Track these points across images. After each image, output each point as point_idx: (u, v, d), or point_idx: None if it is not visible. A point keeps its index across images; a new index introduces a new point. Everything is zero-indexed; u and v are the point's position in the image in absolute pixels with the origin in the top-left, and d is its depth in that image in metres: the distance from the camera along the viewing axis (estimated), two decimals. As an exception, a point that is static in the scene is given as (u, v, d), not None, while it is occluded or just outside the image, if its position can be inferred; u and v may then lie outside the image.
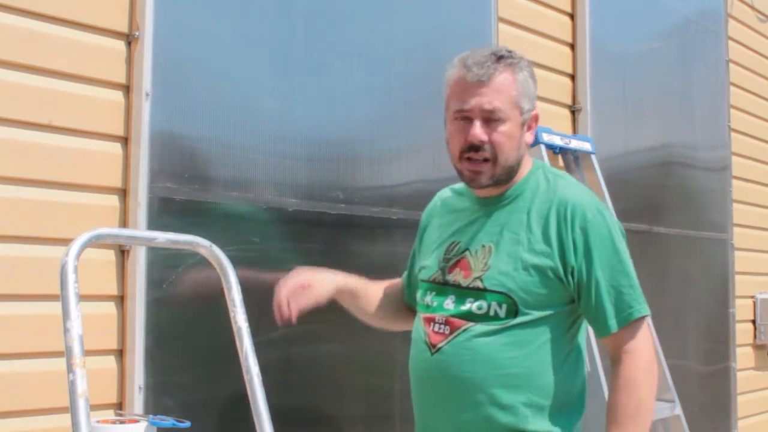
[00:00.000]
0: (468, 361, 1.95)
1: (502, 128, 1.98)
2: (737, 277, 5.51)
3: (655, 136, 4.89)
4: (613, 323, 1.96)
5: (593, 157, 4.14)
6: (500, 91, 1.98)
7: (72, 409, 1.68)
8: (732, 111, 5.61)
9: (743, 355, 5.62)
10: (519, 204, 2.03)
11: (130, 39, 2.60)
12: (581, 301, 1.98)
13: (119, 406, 2.51)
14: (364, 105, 3.26)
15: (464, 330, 1.97)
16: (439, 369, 1.98)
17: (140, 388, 2.50)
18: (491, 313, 1.96)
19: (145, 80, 2.57)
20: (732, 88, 5.64)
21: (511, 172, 2.03)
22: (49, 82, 2.45)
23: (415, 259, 2.27)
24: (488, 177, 2.01)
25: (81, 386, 1.67)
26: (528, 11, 4.12)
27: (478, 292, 1.98)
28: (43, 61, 2.43)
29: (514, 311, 1.95)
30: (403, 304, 2.35)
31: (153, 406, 2.52)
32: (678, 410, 4.04)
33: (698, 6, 5.42)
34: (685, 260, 5.04)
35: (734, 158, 5.61)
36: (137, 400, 2.49)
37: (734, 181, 5.57)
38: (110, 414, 2.47)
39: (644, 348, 1.97)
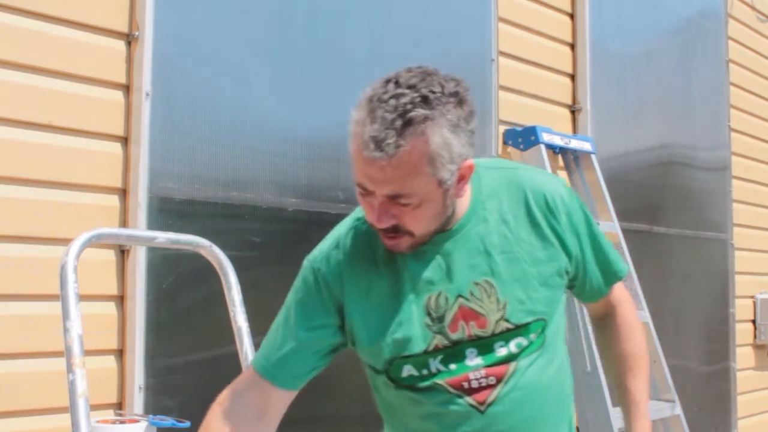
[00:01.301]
0: (521, 404, 1.67)
1: (414, 210, 1.55)
2: (737, 277, 5.51)
3: (655, 136, 4.89)
4: (605, 287, 1.85)
5: (593, 157, 4.14)
6: (407, 174, 1.50)
7: (72, 409, 1.68)
8: (732, 111, 5.61)
9: (743, 355, 5.62)
10: (487, 219, 1.67)
11: (130, 39, 2.60)
12: (576, 279, 1.79)
13: (119, 406, 2.51)
14: (364, 105, 3.26)
15: (513, 372, 1.67)
16: (494, 425, 1.65)
17: (140, 388, 2.50)
18: (527, 343, 1.68)
19: (145, 80, 2.57)
20: (732, 88, 5.64)
21: (446, 222, 1.64)
22: (49, 82, 2.45)
23: (332, 342, 1.72)
24: (409, 245, 1.62)
25: (81, 386, 1.68)
26: (528, 11, 4.12)
27: (509, 333, 1.66)
28: (43, 61, 2.43)
29: (542, 329, 1.70)
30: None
31: (153, 406, 2.52)
32: (678, 410, 4.04)
33: (698, 6, 5.42)
34: (685, 260, 5.04)
35: (734, 158, 5.61)
36: (137, 400, 2.49)
37: (734, 181, 5.57)
38: (110, 414, 2.47)
39: (629, 298, 1.95)
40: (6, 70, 2.37)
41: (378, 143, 1.50)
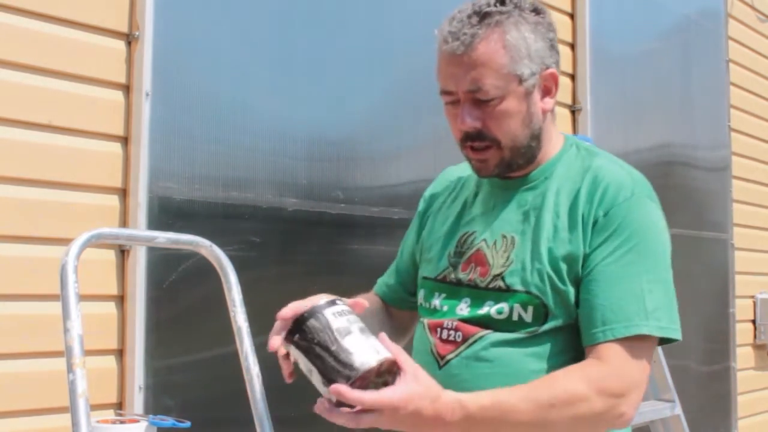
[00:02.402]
0: (485, 375, 1.57)
1: (497, 108, 1.57)
2: (737, 277, 5.51)
3: (655, 136, 4.89)
4: (598, 331, 1.50)
5: (593, 157, 4.14)
6: (484, 63, 1.55)
7: (72, 409, 1.68)
8: (732, 111, 5.61)
9: (743, 355, 5.62)
10: (549, 185, 1.64)
11: (130, 39, 2.60)
12: (579, 295, 1.57)
13: (119, 406, 2.51)
14: (364, 105, 3.26)
15: (479, 338, 1.60)
16: (450, 386, 1.49)
17: (140, 388, 2.50)
18: (514, 317, 1.58)
19: (145, 80, 2.57)
20: (732, 88, 5.64)
21: (529, 152, 1.63)
22: (49, 82, 2.45)
23: (413, 249, 1.86)
24: (496, 165, 1.62)
25: (81, 386, 1.67)
26: (528, 11, 4.11)
27: (499, 294, 1.60)
28: (43, 61, 2.43)
29: (543, 315, 1.56)
30: (388, 314, 1.90)
31: (153, 406, 2.52)
32: (678, 410, 4.04)
33: (698, 6, 5.42)
34: (685, 260, 5.04)
35: (734, 158, 5.61)
36: (137, 400, 2.49)
37: (734, 181, 5.57)
38: (110, 414, 2.47)
39: (631, 380, 1.49)
40: (6, 70, 2.37)
41: (455, 35, 1.56)
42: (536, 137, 1.64)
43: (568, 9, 4.37)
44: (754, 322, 5.81)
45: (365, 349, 1.39)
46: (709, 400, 5.18)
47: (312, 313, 1.43)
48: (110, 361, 2.51)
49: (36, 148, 2.41)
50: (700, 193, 5.24)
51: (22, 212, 2.38)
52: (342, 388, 1.35)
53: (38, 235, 2.40)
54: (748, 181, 5.79)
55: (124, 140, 2.58)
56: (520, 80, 1.58)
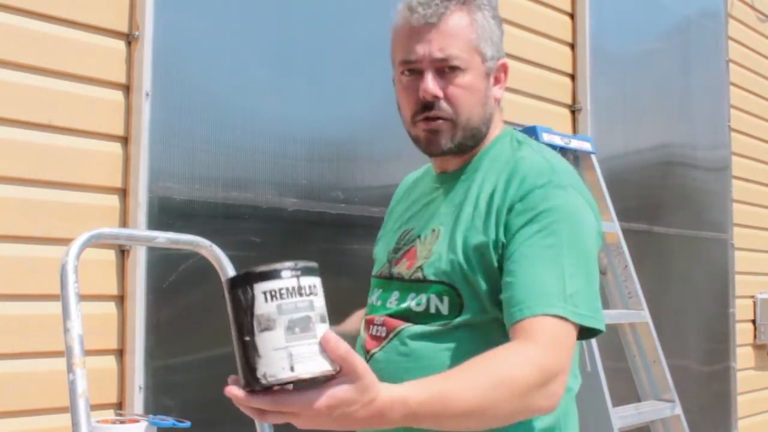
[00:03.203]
0: (405, 369, 1.53)
1: (460, 79, 1.59)
2: (737, 277, 5.51)
3: (655, 136, 4.89)
4: (516, 310, 1.43)
5: (593, 157, 4.14)
6: (453, 34, 1.59)
7: (72, 409, 1.68)
8: (732, 111, 5.61)
9: (743, 355, 5.62)
10: (476, 177, 1.63)
11: (130, 39, 2.60)
12: (502, 282, 1.50)
13: (119, 406, 2.51)
14: (364, 105, 3.26)
15: (399, 331, 1.58)
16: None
17: (140, 388, 2.50)
18: (431, 309, 1.56)
19: (145, 80, 2.57)
20: (732, 88, 5.64)
21: (476, 136, 1.64)
22: (49, 82, 2.45)
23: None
24: (449, 137, 1.62)
25: (81, 386, 1.67)
26: (528, 11, 4.12)
27: (419, 285, 1.59)
28: (43, 61, 2.43)
29: (458, 307, 1.54)
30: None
31: (153, 406, 2.52)
32: (678, 410, 4.04)
33: (698, 6, 5.42)
34: (685, 260, 5.04)
35: (734, 158, 5.61)
36: (137, 400, 2.49)
37: (734, 181, 5.57)
38: (110, 414, 2.47)
39: (560, 360, 1.39)
40: (6, 70, 2.37)
41: (427, 5, 1.60)
42: (486, 123, 1.65)
43: (568, 9, 4.37)
44: (754, 322, 5.80)
45: (281, 357, 1.08)
46: (709, 400, 5.18)
47: (240, 280, 1.11)
48: (110, 361, 2.51)
49: (36, 148, 2.41)
50: (700, 193, 5.24)
51: (22, 212, 2.38)
52: (236, 392, 1.13)
53: (38, 235, 2.40)
54: (748, 181, 5.79)
55: (124, 140, 2.58)
56: (484, 59, 1.62)
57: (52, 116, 2.44)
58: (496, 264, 1.51)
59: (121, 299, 2.54)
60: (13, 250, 2.36)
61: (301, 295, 1.11)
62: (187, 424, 2.29)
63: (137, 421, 2.31)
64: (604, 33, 4.50)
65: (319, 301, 1.13)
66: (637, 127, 4.74)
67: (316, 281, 1.13)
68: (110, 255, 2.53)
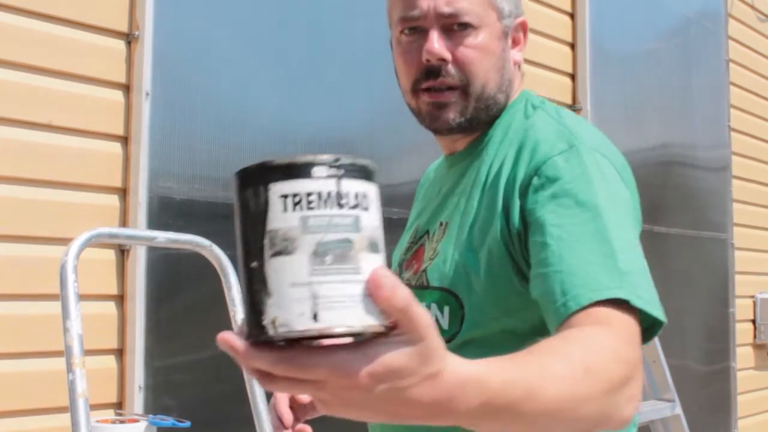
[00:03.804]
0: None
1: (472, 39, 1.30)
2: (737, 277, 5.51)
3: (655, 135, 4.89)
4: (559, 305, 1.09)
5: (593, 157, 4.14)
6: None
7: (72, 408, 1.68)
8: (732, 111, 5.61)
9: (743, 355, 5.62)
10: (485, 155, 1.34)
11: (130, 39, 2.60)
12: (530, 273, 1.18)
13: (119, 405, 2.51)
14: (364, 105, 3.26)
15: None
16: None
17: (140, 387, 2.50)
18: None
19: (145, 80, 2.57)
20: (732, 88, 5.64)
21: (493, 107, 1.35)
22: (49, 82, 2.45)
23: None
24: (458, 111, 1.32)
25: (81, 386, 1.67)
26: (528, 11, 4.10)
27: (421, 292, 1.31)
28: (43, 61, 2.43)
29: (459, 318, 1.26)
30: None
31: (153, 406, 2.52)
32: (678, 410, 4.04)
33: (698, 6, 5.42)
34: (685, 260, 5.04)
35: (734, 158, 5.61)
36: (137, 400, 2.49)
37: (734, 181, 5.57)
38: (110, 414, 2.47)
39: (630, 343, 1.03)
40: (6, 70, 2.37)
41: None
42: (504, 91, 1.36)
43: (568, 9, 4.37)
44: (754, 322, 5.80)
45: (300, 297, 0.71)
46: (709, 400, 5.18)
47: (251, 176, 0.74)
48: (110, 361, 2.51)
49: (36, 148, 2.41)
50: (700, 193, 5.24)
51: (22, 212, 2.38)
52: (233, 341, 0.74)
53: (38, 235, 2.40)
54: (748, 181, 5.79)
55: (124, 140, 2.58)
56: (500, 15, 1.35)
57: (52, 116, 2.44)
58: (509, 260, 1.22)
59: (121, 299, 2.54)
60: (13, 250, 2.36)
61: (340, 206, 0.73)
62: (186, 424, 2.29)
63: (137, 420, 2.31)
64: (604, 33, 4.50)
65: (370, 220, 0.75)
66: (637, 127, 4.75)
67: (367, 189, 0.75)
68: (110, 255, 2.53)
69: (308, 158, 0.72)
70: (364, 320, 0.71)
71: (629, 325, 1.06)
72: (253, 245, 0.73)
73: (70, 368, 1.69)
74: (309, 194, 0.72)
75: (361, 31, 3.27)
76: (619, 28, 4.69)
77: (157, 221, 2.56)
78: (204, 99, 2.73)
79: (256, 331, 0.72)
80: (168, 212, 2.61)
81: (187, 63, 2.71)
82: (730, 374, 5.40)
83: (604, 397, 0.95)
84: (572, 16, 4.38)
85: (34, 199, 2.40)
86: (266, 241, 0.72)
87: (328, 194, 0.72)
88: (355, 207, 0.73)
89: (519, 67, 1.41)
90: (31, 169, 2.40)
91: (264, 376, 0.75)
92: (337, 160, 0.73)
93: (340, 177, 0.73)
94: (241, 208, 0.74)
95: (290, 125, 2.97)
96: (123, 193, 2.57)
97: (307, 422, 1.33)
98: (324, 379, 0.73)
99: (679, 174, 5.08)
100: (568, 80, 4.33)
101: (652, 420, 3.85)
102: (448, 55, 1.30)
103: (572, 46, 4.37)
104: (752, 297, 5.78)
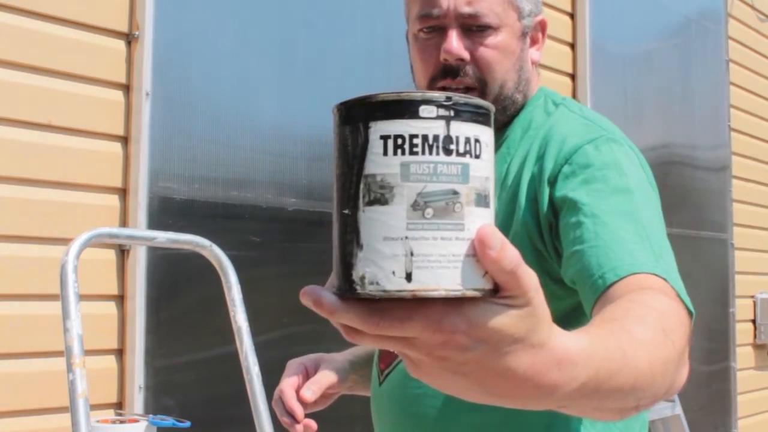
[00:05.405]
0: (416, 396, 1.30)
1: (492, 39, 1.31)
2: (737, 277, 5.51)
3: (655, 135, 4.89)
4: (596, 278, 1.07)
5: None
6: None
7: (72, 408, 1.68)
8: (732, 111, 5.62)
9: (743, 355, 5.62)
10: (505, 152, 1.35)
11: (130, 39, 2.60)
12: (562, 258, 1.17)
13: (119, 405, 2.51)
14: (364, 105, 3.26)
15: None
16: (386, 408, 1.33)
17: (140, 387, 2.50)
18: None
19: (145, 80, 2.57)
20: (732, 88, 5.64)
21: (510, 108, 1.35)
22: (49, 82, 2.45)
23: None
24: None
25: (81, 386, 1.67)
26: (528, 11, 4.12)
27: None
28: (43, 61, 2.43)
29: None
30: None
31: (153, 406, 2.52)
32: (678, 410, 4.04)
33: (698, 6, 5.42)
34: (685, 260, 5.03)
35: (734, 158, 5.61)
36: (137, 400, 2.49)
37: (734, 181, 5.57)
38: (110, 414, 2.47)
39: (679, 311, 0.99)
40: (6, 70, 2.37)
41: None
42: (522, 91, 1.36)
43: (568, 9, 4.37)
44: (754, 322, 5.80)
45: (394, 253, 0.64)
46: (709, 400, 5.19)
47: (351, 111, 0.67)
48: (110, 361, 2.51)
49: (36, 148, 2.41)
50: (700, 193, 5.25)
51: (22, 212, 2.38)
52: (318, 293, 0.66)
53: (38, 235, 2.40)
54: (748, 181, 5.79)
55: (124, 140, 2.58)
56: (520, 15, 1.34)
57: (52, 116, 2.44)
58: (533, 253, 1.21)
59: (121, 299, 2.54)
60: (13, 250, 2.36)
61: (448, 152, 0.65)
62: (187, 424, 2.29)
63: (137, 420, 2.31)
64: (604, 33, 4.50)
65: (481, 170, 0.66)
66: (637, 127, 4.75)
67: (480, 133, 0.66)
68: (110, 255, 2.53)
69: (416, 95, 0.65)
70: (466, 282, 0.64)
71: (670, 291, 1.02)
72: (348, 190, 0.66)
73: (70, 368, 1.69)
74: (413, 137, 0.64)
75: (361, 31, 3.27)
76: (619, 28, 4.69)
77: (157, 221, 2.56)
78: (204, 99, 2.73)
79: (345, 285, 0.66)
80: (168, 212, 2.61)
81: (187, 63, 2.71)
82: (730, 374, 5.41)
83: (679, 359, 0.90)
84: (572, 16, 4.38)
85: (34, 199, 2.40)
86: (362, 187, 0.65)
87: (435, 138, 0.64)
88: (464, 154, 0.65)
89: (536, 66, 1.41)
90: (31, 169, 2.40)
91: (351, 331, 0.68)
92: (449, 99, 0.65)
93: (450, 118, 0.65)
94: (339, 147, 0.67)
95: (290, 125, 2.97)
96: (123, 193, 2.57)
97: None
98: (418, 338, 0.66)
99: (679, 174, 5.08)
100: (568, 80, 4.33)
101: (652, 420, 3.85)
102: (466, 55, 1.30)
103: (572, 46, 4.37)
104: (752, 297, 5.78)
